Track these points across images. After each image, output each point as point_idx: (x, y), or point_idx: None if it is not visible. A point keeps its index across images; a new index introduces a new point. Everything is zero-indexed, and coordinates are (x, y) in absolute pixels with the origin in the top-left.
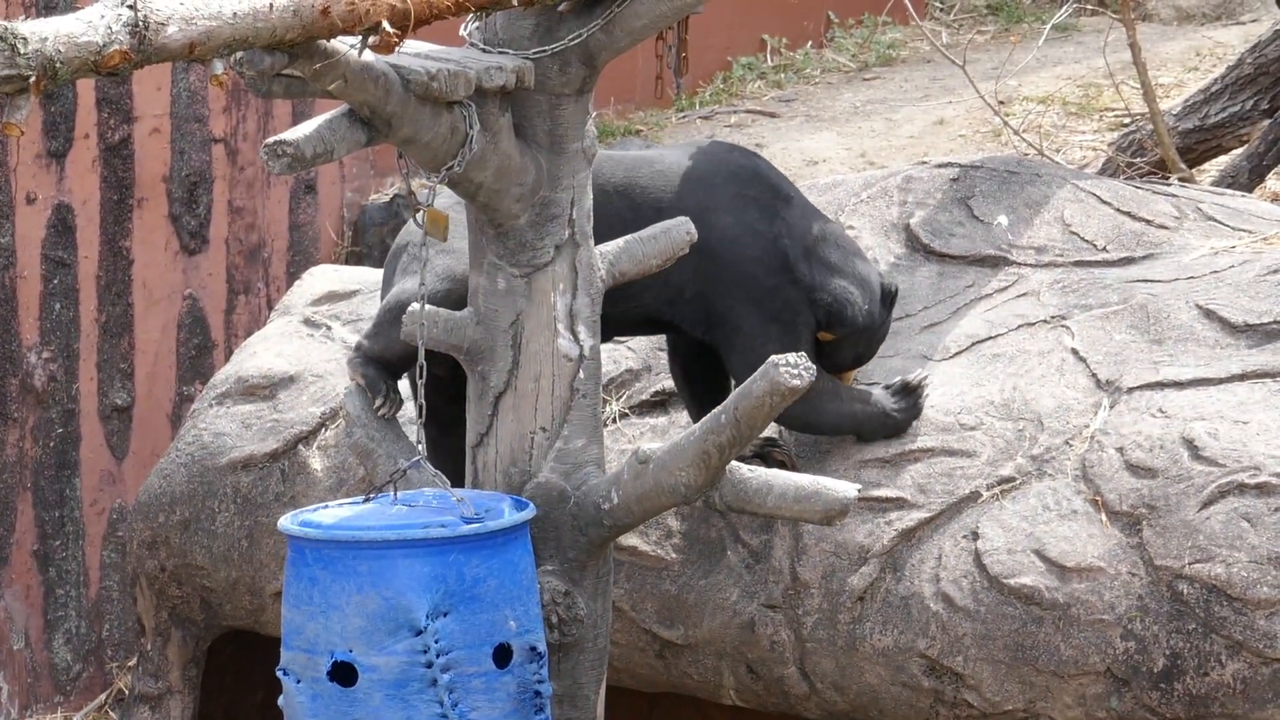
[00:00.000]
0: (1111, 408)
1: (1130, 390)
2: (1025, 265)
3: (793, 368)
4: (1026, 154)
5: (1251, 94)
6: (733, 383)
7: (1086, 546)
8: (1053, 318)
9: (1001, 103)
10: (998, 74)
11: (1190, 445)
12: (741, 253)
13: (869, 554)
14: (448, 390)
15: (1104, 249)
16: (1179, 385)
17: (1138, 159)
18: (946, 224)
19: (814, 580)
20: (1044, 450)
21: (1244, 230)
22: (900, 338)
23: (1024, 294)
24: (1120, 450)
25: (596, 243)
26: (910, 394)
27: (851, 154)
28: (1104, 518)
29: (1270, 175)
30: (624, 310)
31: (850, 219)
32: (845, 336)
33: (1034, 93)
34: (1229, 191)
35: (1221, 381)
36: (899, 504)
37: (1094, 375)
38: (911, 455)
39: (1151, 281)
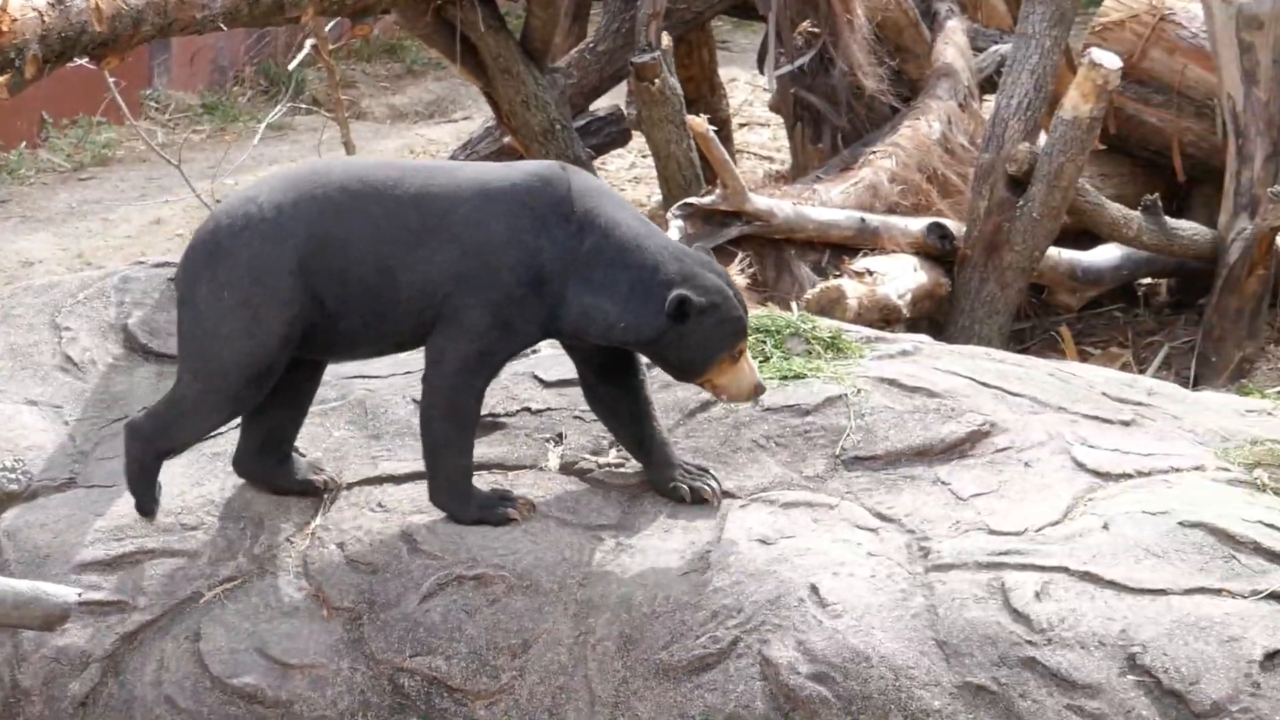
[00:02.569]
0: (332, 504)
1: (350, 486)
2: None
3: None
4: None
5: None
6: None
7: (308, 644)
8: None
9: (218, 201)
10: (214, 172)
11: (409, 539)
12: (500, 259)
13: (90, 659)
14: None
15: None
16: (396, 480)
17: None
18: (165, 324)
19: (35, 688)
20: (265, 549)
21: None
22: None
23: None
24: (341, 546)
25: (380, 266)
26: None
27: (69, 254)
28: (325, 613)
29: None
30: (389, 328)
31: (68, 320)
32: (641, 348)
33: None
34: None
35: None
36: (120, 607)
37: None
38: (132, 558)
39: (369, 378)
